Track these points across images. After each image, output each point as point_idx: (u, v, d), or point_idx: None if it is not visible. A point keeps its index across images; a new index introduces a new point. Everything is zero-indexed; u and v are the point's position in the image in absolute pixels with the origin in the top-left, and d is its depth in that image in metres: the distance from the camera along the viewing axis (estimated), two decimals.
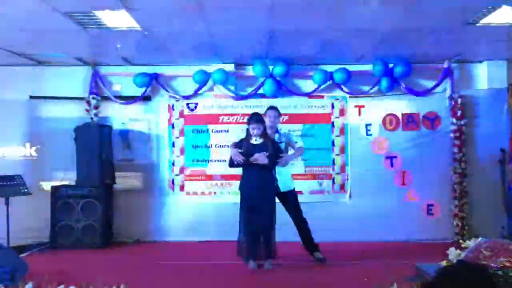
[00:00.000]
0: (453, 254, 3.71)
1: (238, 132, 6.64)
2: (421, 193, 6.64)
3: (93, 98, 6.75)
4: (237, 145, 5.25)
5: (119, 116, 6.89)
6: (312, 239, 5.44)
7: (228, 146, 6.56)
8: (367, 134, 6.81)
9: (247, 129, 5.23)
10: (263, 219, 5.04)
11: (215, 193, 6.81)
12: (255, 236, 5.09)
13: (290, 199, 5.43)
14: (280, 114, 5.59)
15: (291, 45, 5.91)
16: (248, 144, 5.15)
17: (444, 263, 3.72)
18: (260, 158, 5.00)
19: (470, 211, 6.60)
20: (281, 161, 5.15)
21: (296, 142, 5.53)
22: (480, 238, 3.60)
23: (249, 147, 5.12)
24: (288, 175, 5.45)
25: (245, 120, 5.44)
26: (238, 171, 5.36)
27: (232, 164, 5.22)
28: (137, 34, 5.30)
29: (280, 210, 5.39)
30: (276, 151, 5.12)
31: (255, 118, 5.16)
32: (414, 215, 6.61)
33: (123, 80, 6.90)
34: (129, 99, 6.84)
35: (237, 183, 5.45)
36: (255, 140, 5.15)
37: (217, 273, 5.09)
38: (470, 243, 3.64)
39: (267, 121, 5.30)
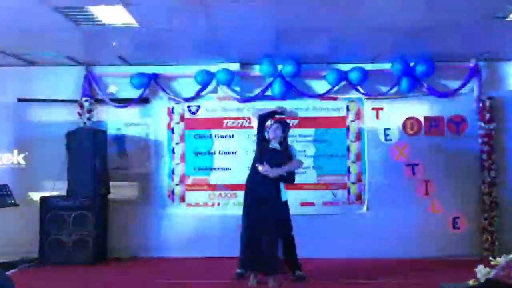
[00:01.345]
0: (482, 272, 3.68)
1: (243, 138, 6.67)
2: (446, 205, 6.58)
3: (86, 100, 6.79)
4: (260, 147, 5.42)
5: (114, 120, 6.94)
6: (296, 256, 5.42)
7: (232, 153, 6.56)
8: (386, 140, 6.78)
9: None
10: (265, 228, 5.06)
11: (218, 204, 6.81)
12: (255, 247, 5.07)
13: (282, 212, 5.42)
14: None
15: (302, 42, 5.92)
16: (264, 147, 5.34)
17: (471, 282, 3.69)
18: (264, 170, 5.13)
19: (500, 225, 6.55)
20: (272, 172, 5.15)
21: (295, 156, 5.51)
22: (511, 255, 3.57)
23: (266, 150, 5.31)
24: (281, 185, 5.43)
25: (252, 124, 5.51)
26: (243, 180, 5.48)
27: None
28: (135, 31, 5.34)
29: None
30: (285, 159, 5.26)
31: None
32: (438, 229, 6.55)
33: (118, 81, 6.94)
34: (125, 102, 6.87)
35: (242, 193, 5.51)
36: (271, 144, 5.34)
37: None
38: (501, 260, 3.62)
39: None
